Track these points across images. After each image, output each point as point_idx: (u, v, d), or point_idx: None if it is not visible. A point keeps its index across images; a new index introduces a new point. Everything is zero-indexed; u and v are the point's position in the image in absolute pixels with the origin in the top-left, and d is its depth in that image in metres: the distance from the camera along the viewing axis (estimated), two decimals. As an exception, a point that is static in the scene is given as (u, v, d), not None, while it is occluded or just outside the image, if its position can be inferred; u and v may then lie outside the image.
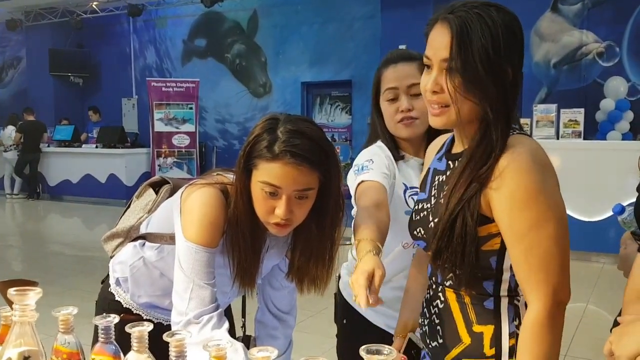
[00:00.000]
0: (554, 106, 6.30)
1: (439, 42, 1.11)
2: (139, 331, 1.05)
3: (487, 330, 1.17)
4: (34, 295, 0.71)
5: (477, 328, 1.18)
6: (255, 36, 10.43)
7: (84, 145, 10.68)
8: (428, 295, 1.29)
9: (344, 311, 1.72)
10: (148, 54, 11.67)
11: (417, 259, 1.46)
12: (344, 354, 1.75)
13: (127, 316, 1.54)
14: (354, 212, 1.50)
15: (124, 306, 1.59)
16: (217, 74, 10.64)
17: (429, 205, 1.24)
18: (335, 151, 1.34)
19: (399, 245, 1.56)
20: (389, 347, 0.89)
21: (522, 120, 6.42)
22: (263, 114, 11.13)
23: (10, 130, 10.88)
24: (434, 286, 1.27)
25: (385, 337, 1.54)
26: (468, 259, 1.12)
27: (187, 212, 1.34)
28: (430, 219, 1.21)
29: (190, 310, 1.29)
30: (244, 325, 1.68)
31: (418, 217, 1.27)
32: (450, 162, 1.23)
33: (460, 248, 1.11)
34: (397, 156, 1.59)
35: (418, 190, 1.53)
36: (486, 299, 1.18)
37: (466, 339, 1.19)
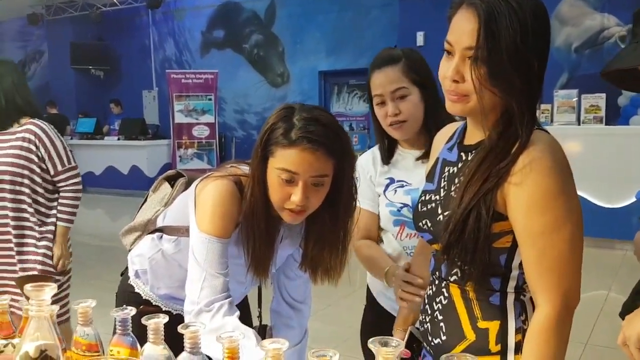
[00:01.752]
0: (575, 91, 6.21)
1: (463, 29, 1.06)
2: (155, 323, 1.07)
3: (493, 326, 1.15)
4: (49, 290, 0.74)
5: (482, 324, 1.16)
6: (272, 26, 10.42)
7: (106, 138, 10.82)
8: (430, 291, 1.27)
9: (367, 294, 1.82)
10: (167, 46, 11.75)
11: (418, 252, 1.47)
12: (362, 334, 1.80)
13: (147, 308, 1.58)
14: None
15: (144, 298, 1.63)
16: (236, 64, 10.67)
17: (437, 197, 1.21)
18: (350, 141, 1.36)
19: (392, 237, 1.65)
20: (397, 339, 0.91)
21: (543, 106, 6.34)
22: (281, 103, 11.03)
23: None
24: (436, 282, 1.24)
25: (386, 317, 1.65)
26: (479, 255, 1.09)
27: (201, 204, 1.37)
28: (440, 211, 1.18)
29: (201, 299, 1.32)
30: (260, 315, 1.70)
31: (425, 209, 1.24)
32: (462, 154, 1.20)
33: (472, 244, 1.09)
34: (388, 160, 1.67)
35: (404, 182, 1.63)
36: (492, 294, 1.15)
37: (471, 336, 1.17)
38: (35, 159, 2.47)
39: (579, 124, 6.17)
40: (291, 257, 1.57)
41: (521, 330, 1.14)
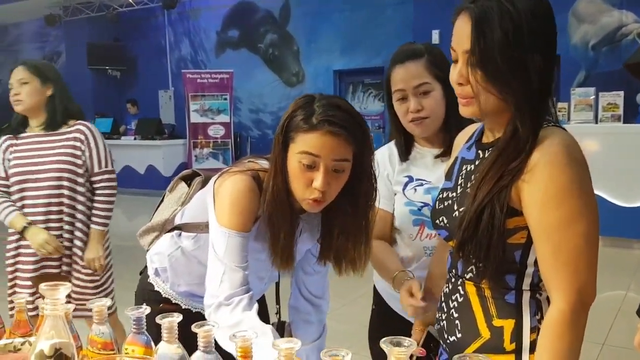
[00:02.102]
0: (592, 89, 6.14)
1: (461, 34, 1.09)
2: (169, 322, 1.08)
3: (508, 325, 1.15)
4: (64, 290, 0.75)
5: (497, 322, 1.15)
6: (287, 25, 10.43)
7: (122, 138, 10.91)
8: (447, 289, 1.27)
9: (375, 297, 1.79)
10: (183, 46, 11.82)
11: (437, 251, 1.47)
12: (371, 337, 1.79)
13: (166, 306, 1.59)
14: None
15: (163, 296, 1.64)
16: (251, 64, 10.71)
17: (454, 194, 1.22)
18: (369, 130, 1.36)
19: (408, 238, 1.62)
20: (409, 339, 0.90)
21: (560, 105, 6.28)
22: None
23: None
24: (453, 279, 1.25)
25: (405, 324, 1.58)
26: (494, 251, 1.09)
27: (219, 199, 1.38)
28: (455, 207, 1.19)
29: (221, 292, 1.32)
30: (278, 312, 1.70)
31: (442, 206, 1.24)
32: (480, 152, 1.21)
33: (486, 240, 1.09)
34: (406, 156, 1.62)
35: (424, 181, 1.59)
36: (507, 292, 1.15)
37: (485, 334, 1.16)
38: (81, 160, 2.53)
39: (596, 122, 6.11)
40: (309, 252, 1.57)
41: (536, 330, 1.13)
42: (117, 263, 5.77)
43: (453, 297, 1.24)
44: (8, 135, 2.49)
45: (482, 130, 1.25)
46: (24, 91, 2.46)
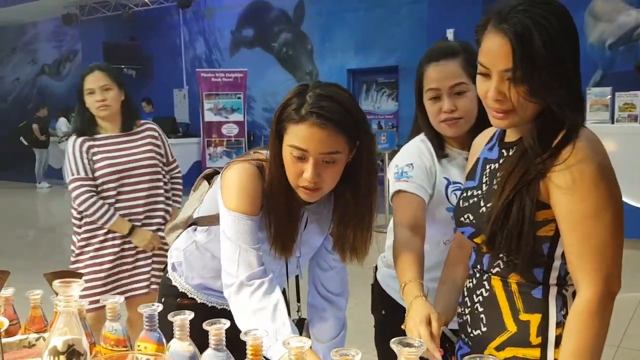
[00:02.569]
0: (608, 89, 6.06)
1: (496, 52, 1.10)
2: (181, 319, 1.09)
3: (534, 319, 1.17)
4: (77, 286, 0.76)
5: (523, 317, 1.17)
6: (301, 24, 10.45)
7: (137, 136, 10.98)
8: (470, 284, 1.29)
9: (383, 302, 1.73)
10: (198, 45, 11.88)
11: (453, 252, 1.45)
12: (383, 343, 1.75)
13: (183, 301, 1.61)
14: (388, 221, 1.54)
15: (180, 290, 1.66)
16: (265, 63, 10.73)
17: (479, 192, 1.25)
18: (366, 119, 1.35)
19: (439, 242, 1.56)
20: (420, 340, 0.90)
21: (576, 104, 6.21)
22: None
23: (62, 122, 11.30)
24: (477, 275, 1.26)
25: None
26: (525, 242, 1.12)
27: (226, 185, 1.39)
28: (482, 204, 1.22)
29: (240, 273, 1.32)
30: (299, 310, 1.68)
31: (466, 204, 1.26)
32: (503, 151, 1.23)
33: (517, 231, 1.12)
34: (441, 154, 1.56)
35: (460, 184, 1.53)
36: (535, 287, 1.17)
37: (512, 327, 1.19)
38: (161, 155, 2.73)
39: (612, 123, 6.03)
40: (323, 247, 1.58)
41: (562, 325, 1.16)
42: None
43: (478, 292, 1.26)
44: (83, 137, 2.56)
45: (502, 130, 1.27)
46: (110, 97, 2.56)
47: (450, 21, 7.44)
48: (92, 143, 2.56)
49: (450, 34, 7.43)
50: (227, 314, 1.31)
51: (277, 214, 1.38)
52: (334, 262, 1.56)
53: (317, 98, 1.26)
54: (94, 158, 2.55)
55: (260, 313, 1.27)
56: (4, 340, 1.10)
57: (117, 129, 2.62)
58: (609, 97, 6.03)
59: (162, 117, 10.86)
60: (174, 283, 1.68)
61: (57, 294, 0.77)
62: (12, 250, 6.35)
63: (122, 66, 12.48)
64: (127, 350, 1.18)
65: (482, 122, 1.47)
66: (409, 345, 0.89)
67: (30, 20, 14.21)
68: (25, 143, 11.37)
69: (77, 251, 2.60)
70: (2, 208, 9.60)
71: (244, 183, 1.36)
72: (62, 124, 11.26)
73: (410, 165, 1.52)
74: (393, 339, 0.90)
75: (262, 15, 10.86)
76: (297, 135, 1.27)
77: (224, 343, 1.07)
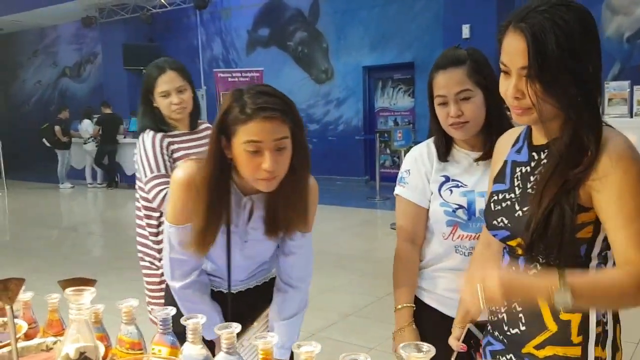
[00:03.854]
0: (627, 83, 5.97)
1: (514, 50, 1.14)
2: (194, 323, 1.12)
3: (575, 319, 1.19)
4: (88, 295, 0.78)
5: (564, 316, 1.19)
6: (316, 23, 10.45)
7: (157, 136, 11.07)
8: None
9: None
10: (214, 45, 11.96)
11: (480, 251, 1.48)
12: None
13: None
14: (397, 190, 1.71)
15: None
16: (280, 62, 10.77)
17: (512, 195, 1.26)
18: (295, 105, 1.49)
19: (440, 236, 1.65)
20: (428, 344, 0.91)
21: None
22: (325, 100, 11.24)
23: (87, 123, 11.45)
24: None
25: (437, 317, 1.65)
26: (565, 249, 1.14)
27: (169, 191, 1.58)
28: (517, 207, 1.23)
29: (174, 276, 1.61)
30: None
31: (499, 207, 1.28)
32: (534, 154, 1.25)
33: (557, 239, 1.14)
34: (445, 156, 1.67)
35: (460, 183, 1.63)
36: None
37: (552, 327, 1.21)
38: None
39: (631, 117, 5.94)
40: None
41: (601, 323, 1.20)
42: (151, 260, 5.88)
43: None
44: (162, 133, 2.39)
45: (528, 133, 1.30)
46: (185, 98, 2.42)
47: (466, 16, 7.38)
48: (171, 139, 2.41)
49: (466, 29, 7.38)
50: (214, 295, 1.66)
51: (201, 211, 1.49)
52: (295, 248, 1.64)
53: (255, 97, 1.41)
54: (175, 155, 2.39)
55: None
56: (23, 344, 1.13)
57: (186, 127, 2.49)
58: (628, 90, 5.94)
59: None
60: None
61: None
62: (35, 250, 6.47)
63: (142, 67, 12.59)
64: (142, 353, 1.20)
65: (490, 125, 1.58)
66: (417, 349, 0.90)
67: (51, 24, 14.43)
68: (48, 144, 11.54)
69: (158, 255, 2.43)
70: (26, 208, 9.78)
71: (178, 195, 1.52)
72: (87, 126, 11.40)
73: (407, 172, 1.70)
74: (402, 344, 0.91)
75: (277, 14, 10.89)
76: (250, 132, 1.40)
77: (236, 346, 1.09)
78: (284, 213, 1.54)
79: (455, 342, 1.45)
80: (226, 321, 1.55)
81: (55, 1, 12.01)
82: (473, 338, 1.44)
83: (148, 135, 2.35)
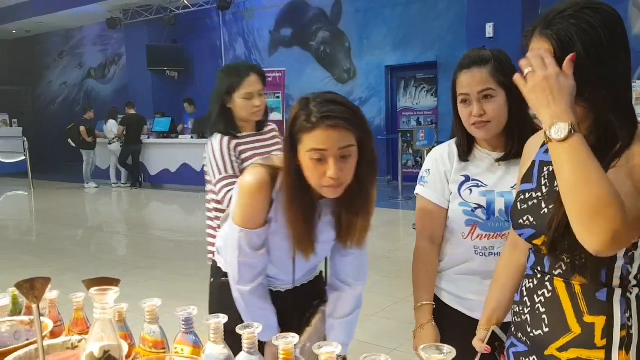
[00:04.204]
0: (656, 81, 5.85)
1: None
2: (215, 323, 1.12)
3: (599, 321, 1.18)
4: (112, 294, 0.79)
5: (588, 318, 1.18)
6: (339, 22, 10.45)
7: (180, 136, 11.19)
8: (530, 285, 1.30)
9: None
10: (237, 45, 12.04)
11: (506, 253, 1.48)
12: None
13: (226, 279, 1.72)
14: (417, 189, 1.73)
15: (223, 271, 1.79)
16: (303, 62, 10.79)
17: (539, 194, 1.26)
18: (364, 116, 1.50)
19: (459, 235, 1.66)
20: (449, 346, 0.91)
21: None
22: (347, 99, 11.15)
23: (112, 124, 11.61)
24: (538, 276, 1.28)
25: (458, 317, 1.67)
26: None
27: (237, 194, 1.58)
28: (543, 206, 1.23)
29: (240, 280, 1.61)
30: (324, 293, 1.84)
31: (525, 206, 1.28)
32: None
33: None
34: (466, 155, 1.68)
35: (480, 183, 1.64)
36: (599, 289, 1.18)
37: (576, 329, 1.20)
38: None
39: (660, 115, 5.82)
40: None
41: (626, 327, 1.17)
42: (176, 258, 5.98)
43: (539, 293, 1.27)
44: (229, 136, 2.49)
45: None
46: (264, 101, 2.55)
47: (490, 15, 7.31)
48: (238, 141, 2.51)
49: (490, 27, 7.31)
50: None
51: (296, 222, 1.52)
52: (352, 249, 1.65)
53: (321, 105, 1.43)
54: (242, 156, 2.50)
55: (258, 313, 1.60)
56: (49, 342, 1.15)
57: (253, 129, 2.58)
58: (656, 89, 5.82)
59: (204, 118, 11.03)
60: (219, 265, 1.84)
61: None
62: (61, 249, 6.58)
63: (165, 68, 12.75)
64: (164, 352, 1.22)
65: (512, 125, 1.60)
66: (438, 351, 0.89)
67: (77, 25, 14.67)
68: (73, 145, 11.72)
69: None
70: (52, 208, 9.95)
71: (249, 200, 1.55)
72: (112, 126, 11.56)
73: (427, 171, 1.72)
74: (422, 346, 0.91)
75: (300, 14, 10.92)
76: (314, 140, 1.42)
77: (257, 346, 1.09)
78: (349, 220, 1.56)
79: (480, 343, 1.45)
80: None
81: (80, 3, 12.21)
82: (497, 340, 1.44)
83: (216, 138, 2.47)
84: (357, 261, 1.71)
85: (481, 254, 1.63)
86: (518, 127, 1.57)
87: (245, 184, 1.55)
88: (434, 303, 1.67)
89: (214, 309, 1.86)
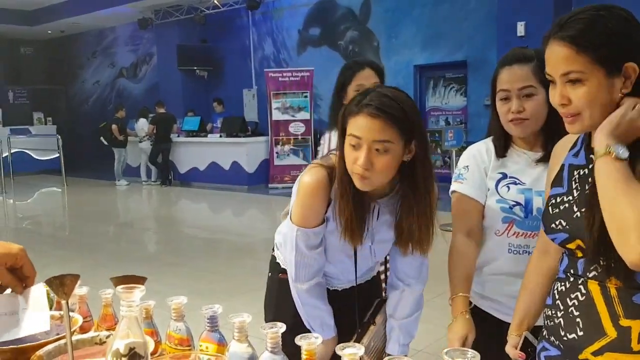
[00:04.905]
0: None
1: (555, 58, 1.17)
2: (240, 322, 1.13)
3: (636, 325, 1.15)
4: (138, 292, 0.81)
5: (624, 322, 1.16)
6: (368, 22, 10.42)
7: (209, 135, 11.32)
8: (562, 287, 1.29)
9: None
10: (266, 45, 12.10)
11: (536, 259, 1.47)
12: None
13: (284, 276, 1.77)
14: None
15: (281, 267, 1.82)
16: (331, 61, 10.75)
17: (570, 197, 1.25)
18: (422, 120, 1.50)
19: (492, 233, 1.66)
20: (473, 350, 0.90)
21: None
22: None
23: (143, 122, 11.79)
24: (571, 279, 1.26)
25: (488, 320, 1.66)
26: None
27: (296, 193, 1.60)
28: (576, 209, 1.23)
29: (298, 277, 1.64)
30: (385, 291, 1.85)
31: (557, 210, 1.27)
32: (592, 156, 1.24)
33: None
34: (503, 152, 1.67)
35: (518, 180, 1.64)
36: (635, 292, 1.16)
37: (612, 333, 1.17)
38: None
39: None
40: None
41: None
42: (204, 255, 6.05)
43: (572, 296, 1.25)
44: None
45: (585, 135, 1.29)
46: None
47: (521, 14, 7.20)
48: None
49: (521, 26, 7.19)
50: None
51: (345, 206, 1.51)
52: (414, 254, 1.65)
53: (375, 95, 1.42)
54: None
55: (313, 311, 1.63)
56: (78, 337, 1.17)
57: None
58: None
59: (232, 117, 11.15)
60: (277, 260, 1.86)
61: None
62: (93, 244, 6.72)
63: (195, 68, 12.90)
64: (190, 349, 1.23)
65: (551, 125, 1.58)
66: (462, 356, 0.89)
67: (109, 26, 14.93)
68: (105, 143, 11.94)
69: None
70: (84, 204, 10.16)
71: (307, 199, 1.56)
72: (143, 124, 11.74)
73: (466, 168, 1.69)
74: (446, 349, 0.91)
75: (328, 14, 10.92)
76: (354, 125, 1.42)
77: (280, 346, 1.10)
78: (409, 226, 1.55)
79: (513, 350, 1.43)
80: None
81: (113, 3, 12.43)
82: (530, 346, 1.42)
83: (334, 134, 2.49)
84: (416, 262, 1.69)
85: (515, 251, 1.62)
86: (555, 129, 1.54)
87: (304, 183, 1.56)
88: (469, 295, 1.62)
89: (269, 303, 1.90)
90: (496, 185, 1.65)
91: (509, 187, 1.63)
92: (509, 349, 1.44)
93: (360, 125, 1.40)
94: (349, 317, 1.71)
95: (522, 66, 1.57)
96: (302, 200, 1.57)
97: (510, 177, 1.64)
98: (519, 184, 1.63)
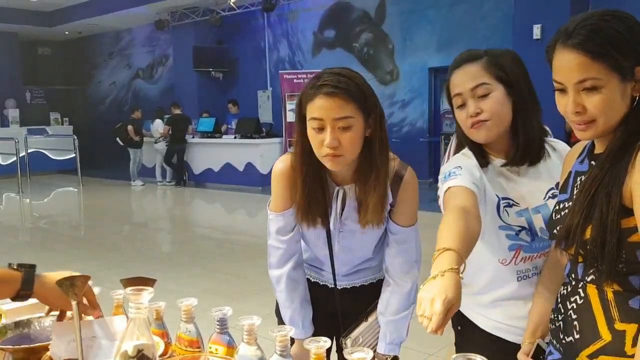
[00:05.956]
0: None
1: (566, 68, 1.16)
2: (249, 325, 1.14)
3: (630, 329, 1.15)
4: (147, 295, 0.81)
5: (619, 326, 1.17)
6: (382, 24, 10.40)
7: (224, 136, 11.35)
8: (565, 291, 1.29)
9: (459, 318, 1.62)
10: (281, 47, 12.13)
11: (549, 267, 1.45)
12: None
13: None
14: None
15: None
16: (345, 63, 10.74)
17: (570, 203, 1.26)
18: (376, 96, 1.51)
19: (495, 261, 1.49)
20: (481, 356, 0.89)
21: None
22: (390, 101, 11.16)
23: (158, 123, 11.86)
24: (573, 282, 1.27)
25: (498, 344, 1.51)
26: (608, 249, 1.12)
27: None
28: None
29: (272, 264, 1.68)
30: None
31: (559, 217, 1.28)
32: (593, 162, 1.25)
33: (599, 239, 1.13)
34: (483, 162, 1.49)
35: (511, 201, 1.47)
36: (632, 296, 1.16)
37: (606, 336, 1.18)
38: None
39: None
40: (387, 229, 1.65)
41: None
42: (218, 256, 6.07)
43: (572, 299, 1.26)
44: None
45: (592, 142, 1.29)
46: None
47: (538, 16, 7.14)
48: None
49: (537, 29, 7.14)
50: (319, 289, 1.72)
51: (301, 187, 1.55)
52: (394, 241, 1.63)
53: (328, 76, 1.45)
54: None
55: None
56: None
57: None
58: None
59: (247, 118, 11.18)
60: None
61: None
62: (108, 244, 6.77)
63: (210, 69, 12.96)
64: (199, 351, 1.24)
65: (518, 127, 1.44)
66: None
67: (126, 27, 15.06)
68: (121, 143, 12.02)
69: None
70: (100, 204, 10.24)
71: (275, 184, 1.62)
72: (159, 125, 11.81)
73: (458, 167, 1.43)
74: (454, 355, 0.90)
75: (343, 16, 10.92)
76: (313, 108, 1.44)
77: (289, 349, 1.10)
78: (365, 198, 1.56)
79: (525, 357, 1.41)
80: (333, 317, 1.71)
81: (130, 5, 12.54)
82: (542, 353, 1.39)
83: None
84: (401, 255, 1.64)
85: (524, 277, 1.48)
86: (524, 125, 1.43)
87: (273, 169, 1.63)
88: (461, 253, 1.13)
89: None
90: (497, 209, 1.46)
91: (507, 212, 1.46)
92: (521, 356, 1.41)
93: (319, 106, 1.43)
94: (351, 317, 1.71)
95: (471, 64, 1.44)
96: (273, 185, 1.63)
97: (504, 199, 1.47)
98: (513, 205, 1.47)
